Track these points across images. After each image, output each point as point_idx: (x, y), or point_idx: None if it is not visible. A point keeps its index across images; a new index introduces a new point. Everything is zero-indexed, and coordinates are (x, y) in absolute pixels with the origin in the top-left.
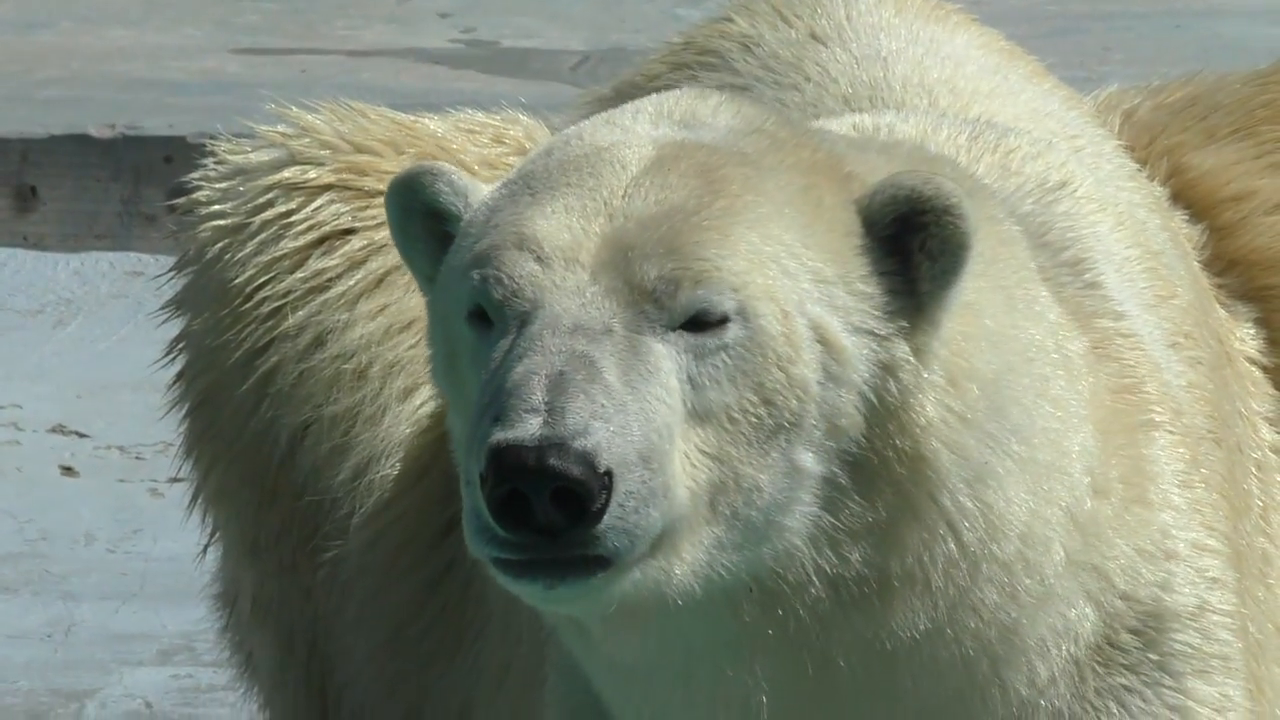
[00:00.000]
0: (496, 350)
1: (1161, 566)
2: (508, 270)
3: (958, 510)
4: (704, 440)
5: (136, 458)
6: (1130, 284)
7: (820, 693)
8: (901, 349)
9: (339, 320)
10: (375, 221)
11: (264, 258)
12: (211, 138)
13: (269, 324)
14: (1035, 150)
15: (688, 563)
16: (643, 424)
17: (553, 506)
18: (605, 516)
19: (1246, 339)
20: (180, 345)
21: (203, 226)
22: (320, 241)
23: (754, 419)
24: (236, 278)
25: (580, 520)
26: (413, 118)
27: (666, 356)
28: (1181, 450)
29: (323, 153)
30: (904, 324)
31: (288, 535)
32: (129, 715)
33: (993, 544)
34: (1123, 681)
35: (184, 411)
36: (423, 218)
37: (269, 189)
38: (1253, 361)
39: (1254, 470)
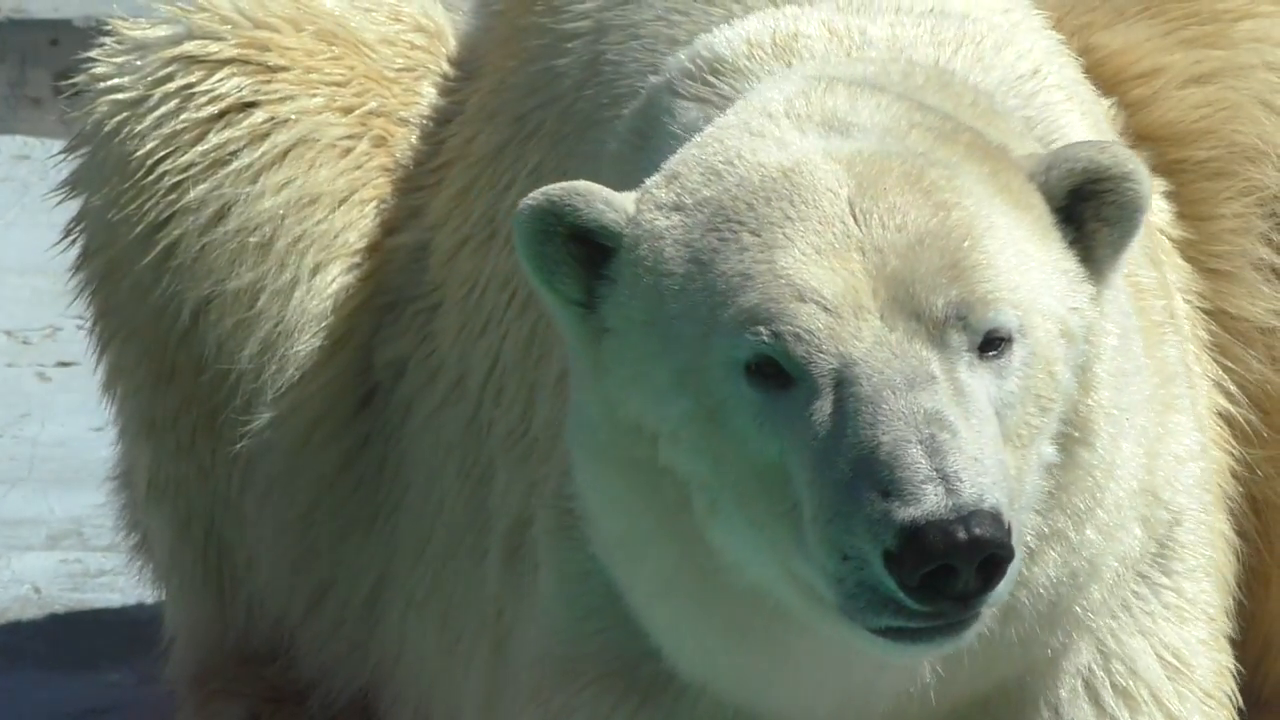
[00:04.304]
0: (814, 412)
1: (1187, 469)
2: (803, 325)
3: (1096, 463)
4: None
5: (24, 342)
6: None
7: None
8: (1094, 315)
9: (242, 194)
10: (278, 96)
11: (165, 130)
12: (99, 21)
13: (170, 198)
14: (1001, 38)
15: None
16: (1001, 468)
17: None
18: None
19: (1157, 212)
20: (79, 226)
21: (100, 101)
22: (221, 115)
23: (1033, 428)
24: (136, 151)
25: (994, 580)
26: None
27: (981, 390)
28: (1177, 345)
29: (223, 28)
30: (1091, 290)
31: (186, 414)
32: (17, 600)
33: (1106, 491)
34: (1133, 588)
35: (87, 291)
36: (565, 241)
37: (169, 62)
38: (1163, 233)
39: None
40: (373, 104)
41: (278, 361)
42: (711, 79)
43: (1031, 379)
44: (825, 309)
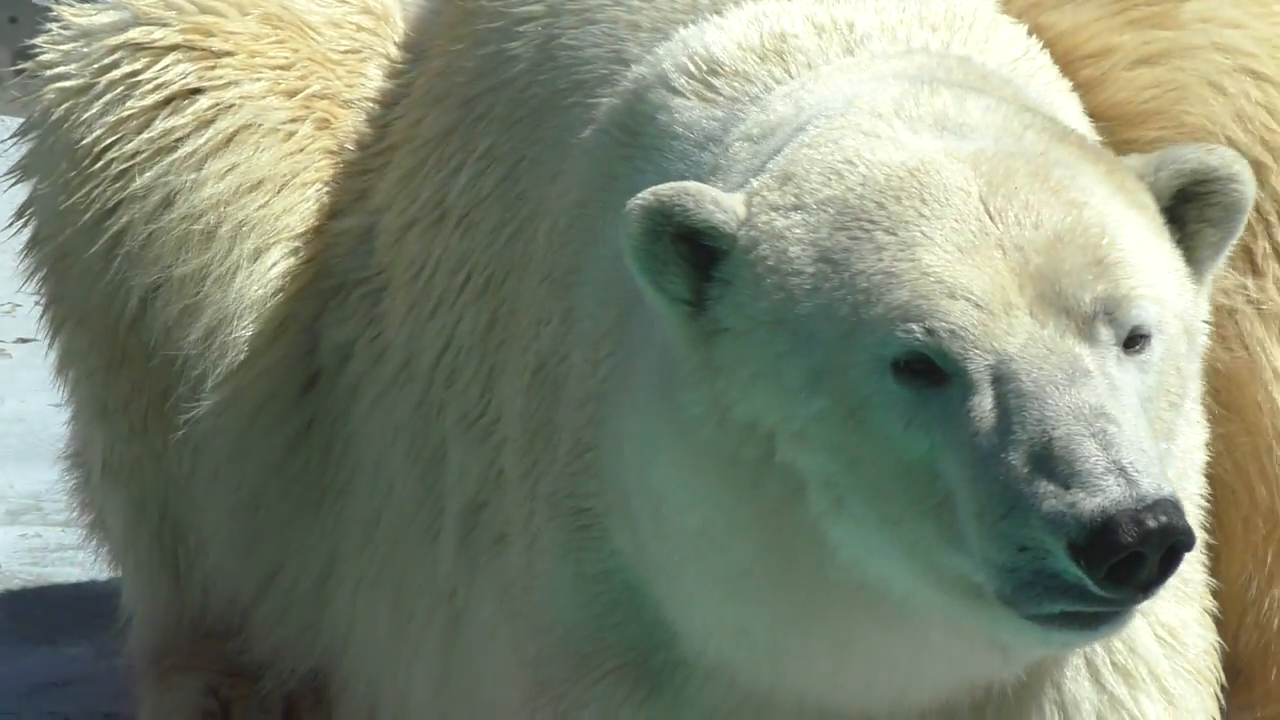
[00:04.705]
0: (972, 409)
1: (1194, 457)
2: (957, 321)
3: (1167, 460)
4: None
5: None
6: None
7: None
8: (1196, 314)
9: (187, 181)
10: (222, 81)
11: (110, 118)
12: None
13: (117, 185)
14: (988, 18)
15: None
16: (1160, 460)
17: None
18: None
19: None
20: (29, 211)
21: (47, 89)
22: (167, 101)
23: (1164, 423)
24: (83, 139)
25: (1173, 567)
26: None
27: (1129, 384)
28: None
29: (168, 13)
30: (1195, 289)
31: (138, 398)
32: None
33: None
34: None
35: (38, 276)
36: (674, 240)
37: (114, 49)
38: None
39: None
40: (316, 86)
41: (220, 347)
42: (713, 79)
43: (1165, 375)
44: (976, 305)
